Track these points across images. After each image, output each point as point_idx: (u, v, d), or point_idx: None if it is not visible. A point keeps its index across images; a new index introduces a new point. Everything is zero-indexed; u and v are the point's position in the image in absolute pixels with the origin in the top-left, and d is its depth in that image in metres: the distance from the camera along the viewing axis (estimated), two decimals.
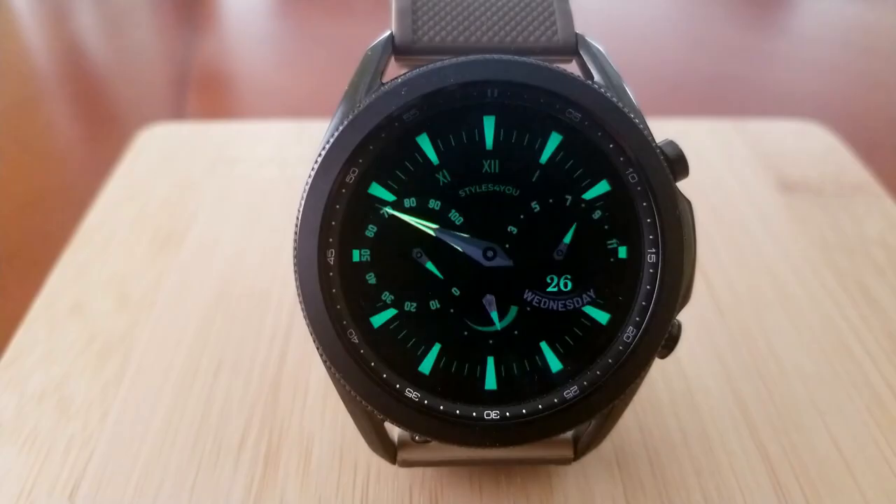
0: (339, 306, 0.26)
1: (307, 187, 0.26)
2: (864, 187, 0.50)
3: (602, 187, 0.26)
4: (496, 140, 0.26)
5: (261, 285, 0.41)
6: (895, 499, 0.30)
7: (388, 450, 0.29)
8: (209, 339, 0.38)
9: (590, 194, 0.26)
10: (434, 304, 0.27)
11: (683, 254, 0.26)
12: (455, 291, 0.27)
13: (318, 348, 0.26)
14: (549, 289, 0.27)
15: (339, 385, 0.27)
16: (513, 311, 0.27)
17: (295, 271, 0.26)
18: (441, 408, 0.26)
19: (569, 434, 0.29)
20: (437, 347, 0.27)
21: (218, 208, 0.48)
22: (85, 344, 0.37)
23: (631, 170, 0.26)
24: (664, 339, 0.26)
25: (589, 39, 0.28)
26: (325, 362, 0.26)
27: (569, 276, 0.27)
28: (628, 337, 0.26)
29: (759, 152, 0.54)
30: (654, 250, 0.26)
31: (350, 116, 0.26)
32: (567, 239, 0.27)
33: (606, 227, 0.26)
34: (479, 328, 0.27)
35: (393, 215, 0.26)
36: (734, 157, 0.54)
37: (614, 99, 0.26)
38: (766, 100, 0.74)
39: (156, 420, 0.33)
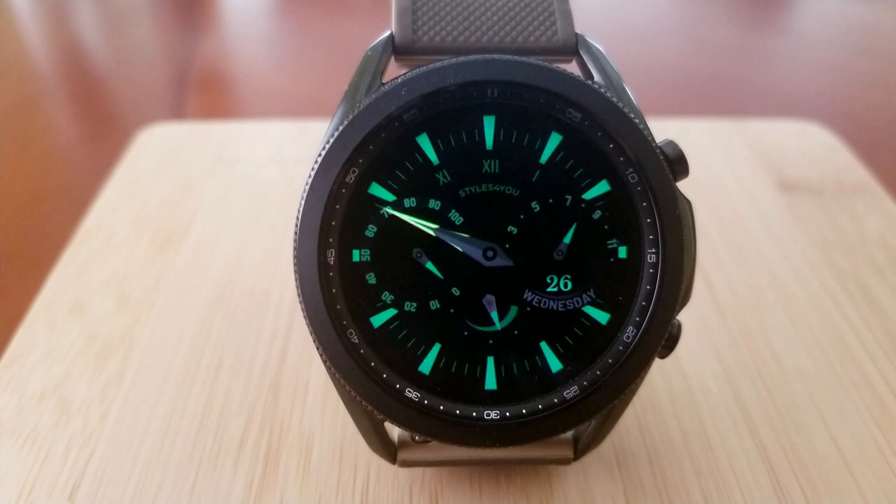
0: (339, 306, 0.26)
1: (307, 187, 0.26)
2: (864, 187, 0.50)
3: (602, 187, 0.26)
4: (496, 140, 0.26)
5: (261, 285, 0.41)
6: (895, 499, 0.30)
7: (388, 450, 0.29)
8: (209, 339, 0.38)
9: (590, 194, 0.26)
10: (434, 304, 0.27)
11: (683, 254, 0.26)
12: (455, 291, 0.27)
13: (318, 348, 0.26)
14: (549, 289, 0.27)
15: (339, 385, 0.27)
16: (513, 311, 0.27)
17: (295, 271, 0.26)
18: (441, 408, 0.26)
19: (569, 434, 0.29)
20: (437, 347, 0.27)
21: (218, 208, 0.48)
22: (85, 344, 0.37)
23: (631, 170, 0.26)
24: (664, 339, 0.26)
25: (589, 39, 0.28)
26: (325, 362, 0.26)
27: (569, 276, 0.27)
28: (628, 337, 0.26)
29: (759, 152, 0.54)
30: (654, 250, 0.26)
31: (350, 116, 0.26)
32: (567, 239, 0.27)
33: (606, 227, 0.26)
34: (479, 328, 0.27)
35: (393, 215, 0.26)
36: (734, 157, 0.54)
37: (614, 99, 0.26)
38: (766, 100, 0.74)
39: (156, 420, 0.33)
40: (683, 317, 0.27)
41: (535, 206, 0.26)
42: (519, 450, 0.28)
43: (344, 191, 0.26)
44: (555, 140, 0.26)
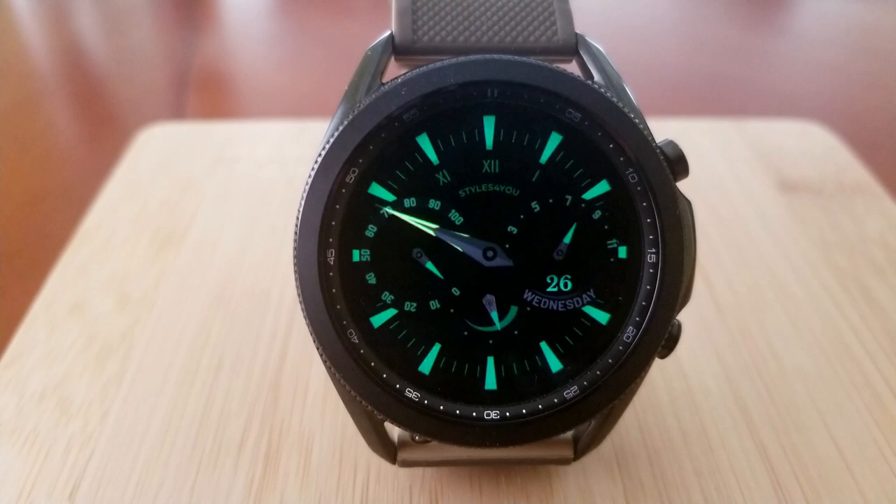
0: (339, 306, 0.26)
1: (307, 187, 0.26)
2: (864, 187, 0.50)
3: (602, 187, 0.26)
4: (496, 140, 0.26)
5: (261, 285, 0.41)
6: (895, 499, 0.30)
7: (388, 450, 0.29)
8: (209, 339, 0.38)
9: (590, 194, 0.26)
10: (434, 304, 0.27)
11: (683, 254, 0.26)
12: (455, 291, 0.27)
13: (318, 348, 0.26)
14: (549, 289, 0.27)
15: (339, 385, 0.27)
16: (513, 310, 0.27)
17: (295, 271, 0.26)
18: (441, 408, 0.26)
19: (569, 434, 0.29)
20: (437, 347, 0.27)
21: (218, 208, 0.48)
22: (85, 344, 0.37)
23: (631, 170, 0.26)
24: (664, 339, 0.26)
25: (589, 39, 0.28)
26: (325, 362, 0.26)
27: (569, 276, 0.27)
28: (628, 337, 0.26)
29: (759, 152, 0.54)
30: (654, 250, 0.26)
31: (350, 116, 0.26)
32: (567, 239, 0.27)
33: (606, 227, 0.26)
34: (479, 328, 0.27)
35: (393, 215, 0.26)
36: (734, 157, 0.54)
37: (614, 99, 0.26)
38: (766, 100, 0.74)
39: (156, 420, 0.33)
40: (683, 317, 0.27)
41: (535, 206, 0.26)
42: (519, 450, 0.28)
43: (344, 191, 0.26)
44: (555, 140, 0.26)
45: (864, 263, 0.43)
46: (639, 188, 0.26)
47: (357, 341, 0.26)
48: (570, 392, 0.26)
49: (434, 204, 0.26)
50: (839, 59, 0.82)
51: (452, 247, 0.27)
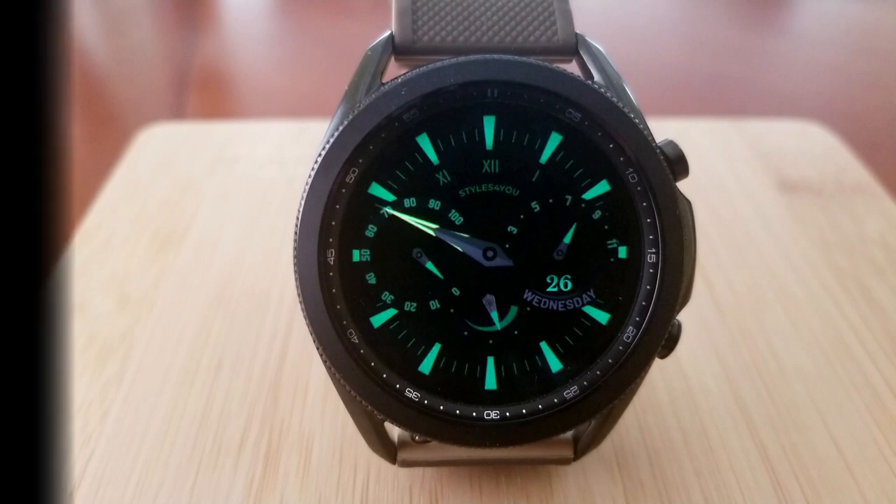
0: (339, 306, 0.26)
1: (307, 187, 0.26)
2: (864, 187, 0.50)
3: (602, 187, 0.26)
4: (496, 140, 0.26)
5: (261, 285, 0.41)
6: (895, 499, 0.30)
7: (388, 450, 0.29)
8: (209, 339, 0.38)
9: (590, 194, 0.26)
10: (434, 304, 0.27)
11: (683, 254, 0.26)
12: (455, 291, 0.27)
13: (318, 348, 0.26)
14: (549, 289, 0.27)
15: (339, 385, 0.27)
16: (513, 311, 0.27)
17: (295, 271, 0.26)
18: (441, 408, 0.26)
19: (569, 434, 0.29)
20: (437, 347, 0.27)
21: (218, 208, 0.48)
22: (85, 344, 0.37)
23: (631, 170, 0.26)
24: (664, 339, 0.26)
25: (589, 39, 0.28)
26: (325, 362, 0.26)
27: (569, 276, 0.27)
28: (628, 337, 0.26)
29: (759, 152, 0.54)
30: (654, 250, 0.26)
31: (350, 116, 0.26)
32: (567, 239, 0.27)
33: (606, 227, 0.26)
34: (479, 328, 0.27)
35: (393, 215, 0.26)
36: (734, 157, 0.54)
37: (614, 99, 0.26)
38: (766, 100, 0.74)
39: (156, 420, 0.33)
40: (683, 317, 0.27)
41: (535, 206, 0.26)
42: (519, 450, 0.28)
43: (344, 191, 0.26)
44: (555, 140, 0.26)
45: (864, 263, 0.43)
46: (639, 188, 0.26)
47: (357, 341, 0.26)
48: (570, 392, 0.26)
49: (434, 204, 0.26)
50: (839, 59, 0.82)
51: (452, 247, 0.27)
